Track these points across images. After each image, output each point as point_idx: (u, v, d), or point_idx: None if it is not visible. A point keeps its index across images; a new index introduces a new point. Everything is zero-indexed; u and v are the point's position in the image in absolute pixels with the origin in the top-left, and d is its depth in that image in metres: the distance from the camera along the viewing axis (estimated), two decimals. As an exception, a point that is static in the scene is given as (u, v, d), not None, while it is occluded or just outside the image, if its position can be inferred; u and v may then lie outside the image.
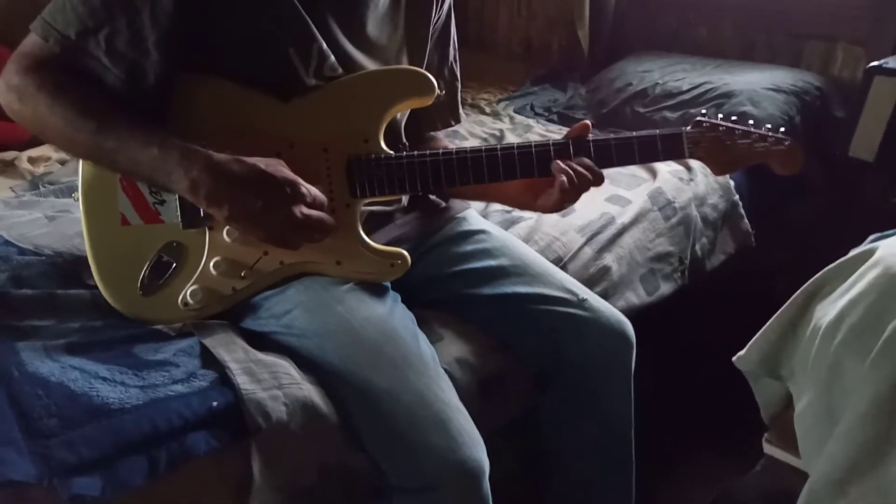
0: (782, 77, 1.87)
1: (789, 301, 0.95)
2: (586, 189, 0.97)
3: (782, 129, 1.01)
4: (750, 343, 1.00)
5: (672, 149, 0.99)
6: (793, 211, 1.87)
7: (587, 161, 0.96)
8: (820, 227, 1.84)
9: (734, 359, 1.02)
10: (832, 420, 0.80)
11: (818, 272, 0.97)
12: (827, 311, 0.85)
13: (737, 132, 1.00)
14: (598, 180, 0.97)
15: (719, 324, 1.68)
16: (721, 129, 0.99)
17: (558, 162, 0.96)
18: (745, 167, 1.03)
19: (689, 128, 1.00)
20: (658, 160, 1.01)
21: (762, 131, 1.00)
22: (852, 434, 0.75)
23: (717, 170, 1.03)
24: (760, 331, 0.99)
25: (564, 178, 0.94)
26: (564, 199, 0.97)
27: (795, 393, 0.90)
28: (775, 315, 0.97)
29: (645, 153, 0.99)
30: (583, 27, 2.30)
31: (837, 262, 0.93)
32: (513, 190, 1.05)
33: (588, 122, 0.99)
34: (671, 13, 2.25)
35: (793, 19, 2.01)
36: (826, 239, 1.78)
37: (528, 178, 0.99)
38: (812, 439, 0.83)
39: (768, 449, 0.95)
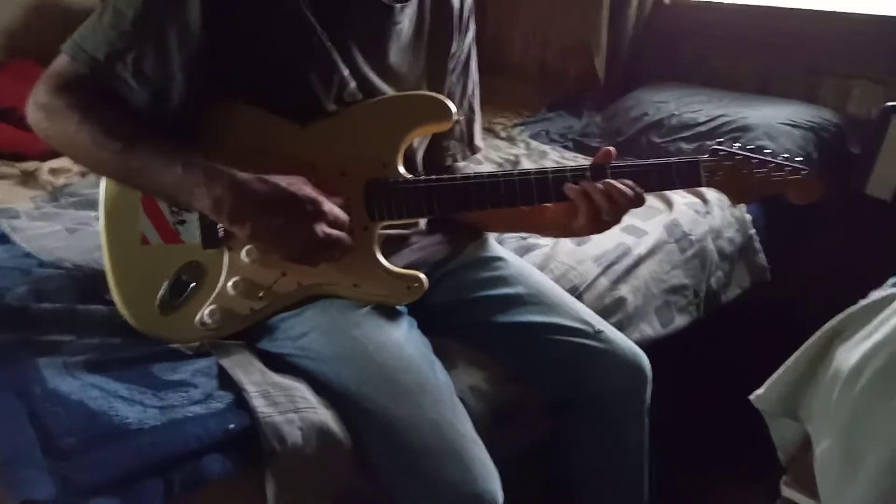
0: (799, 112, 1.87)
1: (808, 343, 0.94)
2: (625, 211, 0.96)
3: (799, 159, 1.01)
4: (768, 383, 0.99)
5: (689, 177, 0.99)
6: (809, 247, 1.87)
7: (621, 184, 0.95)
8: (837, 263, 1.82)
9: (752, 398, 1.00)
10: (854, 465, 0.79)
11: (835, 309, 0.96)
12: (849, 355, 0.84)
13: (753, 161, 1.00)
14: (636, 202, 0.96)
15: (733, 358, 1.67)
16: (738, 157, 1.00)
17: (571, 186, 0.95)
18: (762, 197, 1.03)
19: (706, 156, 1.00)
20: (674, 188, 1.02)
21: (779, 160, 1.00)
22: (876, 480, 0.74)
23: (734, 199, 1.03)
24: (778, 371, 0.98)
25: (584, 203, 0.94)
26: (596, 222, 0.96)
27: (814, 435, 0.89)
28: (794, 356, 0.96)
29: (661, 181, 0.99)
30: (599, 55, 2.32)
31: (858, 305, 0.92)
32: (551, 216, 1.04)
33: (612, 148, 0.99)
34: (689, 45, 2.25)
35: (811, 56, 2.02)
36: (843, 276, 1.77)
37: (546, 203, 0.99)
38: (832, 484, 0.81)
39: (786, 492, 0.93)
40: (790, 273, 1.76)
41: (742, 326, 1.72)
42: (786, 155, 1.02)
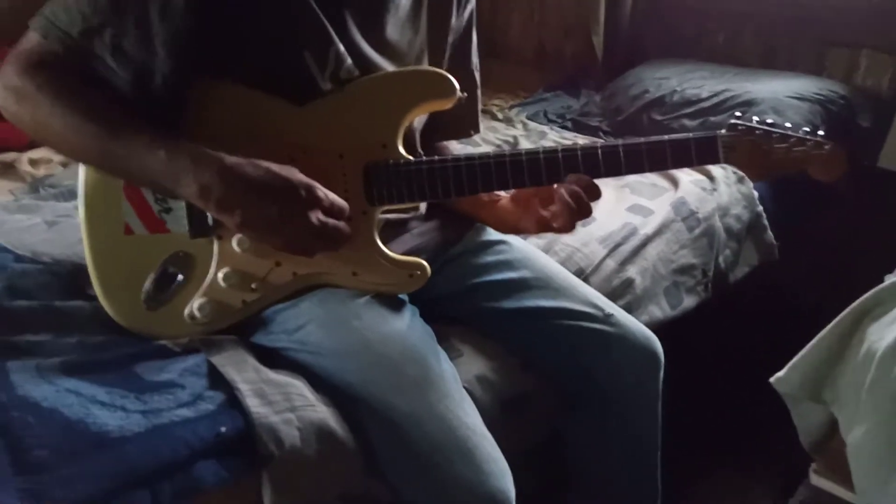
0: (805, 85, 1.82)
1: (835, 321, 0.90)
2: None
3: (820, 133, 0.96)
4: (790, 364, 0.94)
5: (706, 153, 0.94)
6: (817, 223, 1.82)
7: (585, 180, 0.91)
8: (845, 239, 1.78)
9: (772, 380, 0.96)
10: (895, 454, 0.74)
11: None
12: (883, 333, 0.79)
13: (774, 136, 0.94)
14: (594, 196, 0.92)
15: (741, 338, 1.63)
16: (757, 132, 0.94)
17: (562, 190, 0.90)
18: (782, 174, 0.97)
19: (723, 131, 0.95)
20: (691, 165, 0.96)
21: (800, 134, 0.95)
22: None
23: (754, 176, 1.00)
24: (802, 352, 0.93)
25: (570, 201, 0.89)
26: (560, 222, 0.92)
27: (845, 420, 0.85)
28: (819, 335, 0.91)
29: (677, 158, 0.94)
30: (597, 33, 2.27)
31: (889, 281, 0.87)
32: (502, 211, 1.01)
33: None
34: (689, 20, 2.20)
35: (816, 26, 1.97)
36: (852, 252, 1.73)
37: (556, 183, 0.93)
38: (871, 474, 0.77)
39: (816, 480, 0.89)
40: (797, 251, 1.72)
41: (746, 308, 1.68)
42: (807, 129, 0.97)
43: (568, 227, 0.91)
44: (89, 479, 0.68)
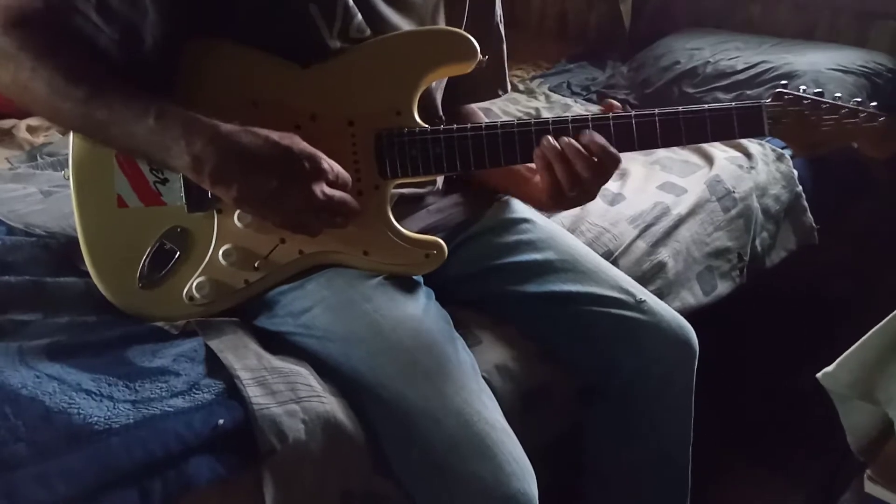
0: (849, 57, 1.71)
1: (892, 315, 0.82)
2: (600, 179, 0.83)
3: (874, 104, 0.88)
4: (839, 360, 0.86)
5: (750, 125, 0.87)
6: (854, 207, 1.72)
7: (597, 140, 0.82)
8: (884, 226, 1.68)
9: (819, 376, 0.88)
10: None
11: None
12: (951, 329, 0.72)
13: (824, 106, 0.87)
14: (612, 164, 0.83)
15: (773, 326, 1.54)
16: (805, 102, 0.87)
17: (545, 142, 0.83)
18: (831, 149, 0.90)
19: (769, 100, 0.87)
20: (733, 138, 0.89)
21: (852, 105, 0.88)
22: None
23: (800, 150, 0.91)
24: (853, 347, 0.85)
25: (558, 164, 0.82)
26: (564, 192, 0.84)
27: (902, 423, 0.77)
28: (873, 330, 0.84)
29: (718, 129, 0.86)
30: (625, 1, 2.16)
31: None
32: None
33: (614, 101, 0.89)
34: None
35: (859, -3, 1.85)
36: (890, 240, 1.63)
37: None
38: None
39: (870, 488, 0.81)
40: (832, 236, 1.62)
41: (777, 294, 1.59)
42: (858, 99, 0.90)
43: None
44: (70, 476, 0.62)
